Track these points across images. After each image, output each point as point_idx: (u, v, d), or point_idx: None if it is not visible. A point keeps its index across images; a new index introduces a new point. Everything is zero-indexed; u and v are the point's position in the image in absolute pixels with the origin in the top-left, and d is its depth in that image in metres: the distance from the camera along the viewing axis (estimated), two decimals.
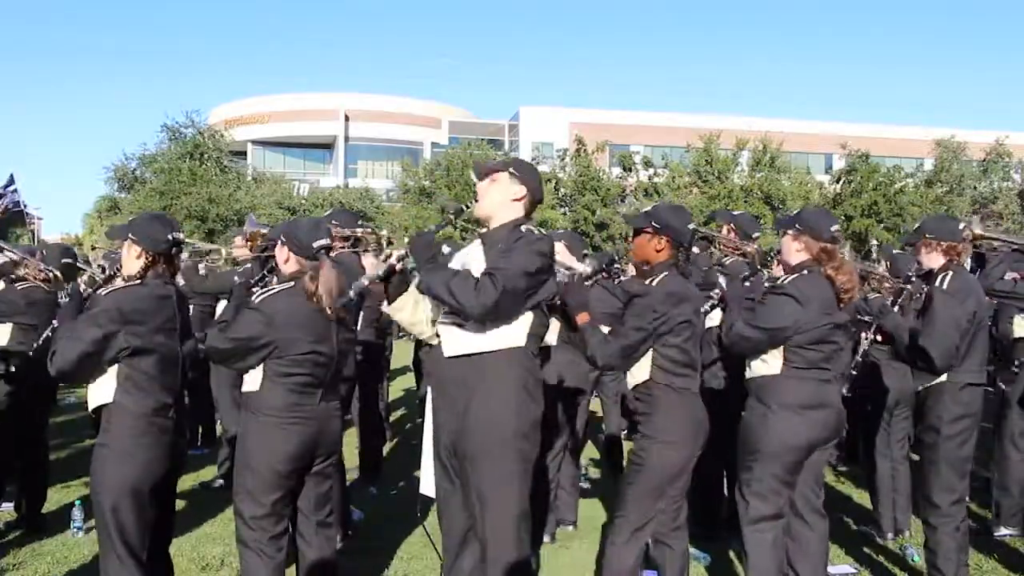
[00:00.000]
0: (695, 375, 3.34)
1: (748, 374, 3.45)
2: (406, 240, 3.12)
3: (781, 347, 3.28)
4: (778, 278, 3.47)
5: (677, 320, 3.23)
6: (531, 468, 2.96)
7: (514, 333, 2.88)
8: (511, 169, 3.09)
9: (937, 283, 3.69)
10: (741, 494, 3.40)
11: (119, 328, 3.08)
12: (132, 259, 3.22)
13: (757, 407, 3.36)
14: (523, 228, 2.98)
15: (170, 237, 3.23)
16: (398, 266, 3.01)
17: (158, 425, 3.19)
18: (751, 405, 3.41)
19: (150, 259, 3.21)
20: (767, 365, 3.34)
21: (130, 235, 3.23)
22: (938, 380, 3.71)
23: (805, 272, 3.35)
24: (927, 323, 3.64)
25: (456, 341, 2.91)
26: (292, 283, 3.22)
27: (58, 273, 4.95)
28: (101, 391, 3.18)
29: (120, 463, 3.11)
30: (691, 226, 3.40)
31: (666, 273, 3.31)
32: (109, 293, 3.15)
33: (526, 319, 2.91)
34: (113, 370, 3.15)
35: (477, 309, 2.75)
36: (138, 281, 3.20)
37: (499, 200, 3.06)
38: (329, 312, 3.19)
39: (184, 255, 6.69)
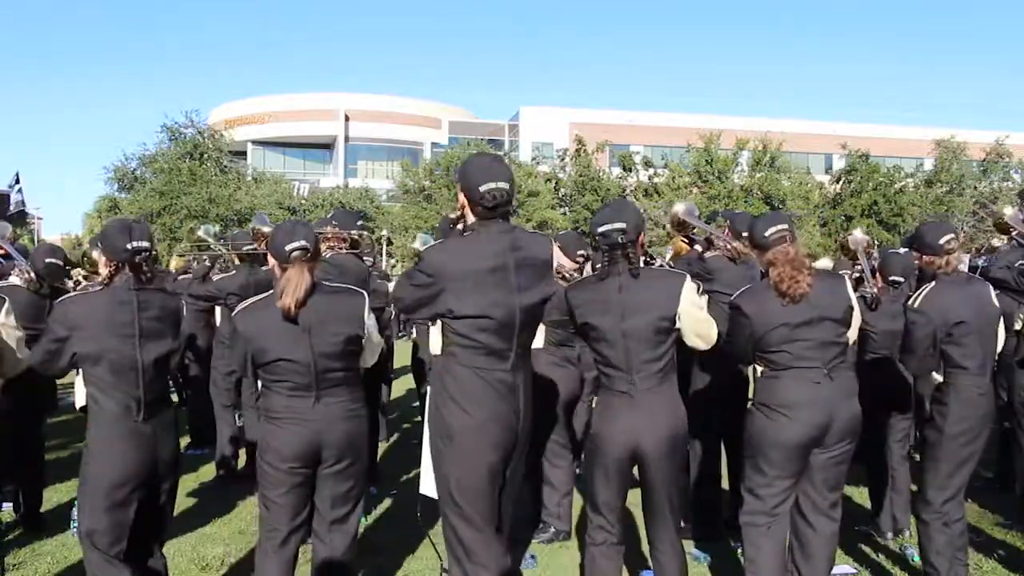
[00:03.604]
0: (619, 375, 3.22)
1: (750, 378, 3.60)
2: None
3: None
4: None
5: (580, 323, 3.30)
6: (456, 475, 3.07)
7: (433, 342, 3.17)
8: (456, 178, 3.23)
9: (910, 300, 3.76)
10: (739, 492, 3.54)
11: (68, 334, 3.22)
12: (102, 266, 3.34)
13: (749, 407, 3.51)
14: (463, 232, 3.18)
15: (129, 246, 3.25)
16: None
17: (128, 427, 3.25)
18: (749, 406, 3.54)
19: (113, 267, 3.28)
20: (754, 369, 3.48)
21: (99, 243, 3.38)
22: (949, 381, 3.72)
23: (752, 285, 3.52)
24: (904, 336, 3.77)
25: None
26: (268, 293, 3.27)
27: (33, 274, 4.93)
28: (79, 393, 3.35)
29: (95, 462, 3.25)
30: (611, 227, 3.24)
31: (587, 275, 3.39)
32: (60, 301, 3.32)
33: (435, 331, 3.14)
34: (81, 374, 3.30)
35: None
36: (99, 287, 3.31)
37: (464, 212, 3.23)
38: (291, 312, 3.13)
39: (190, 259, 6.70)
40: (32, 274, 4.93)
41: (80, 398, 3.32)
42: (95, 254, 3.47)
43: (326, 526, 3.33)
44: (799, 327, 3.30)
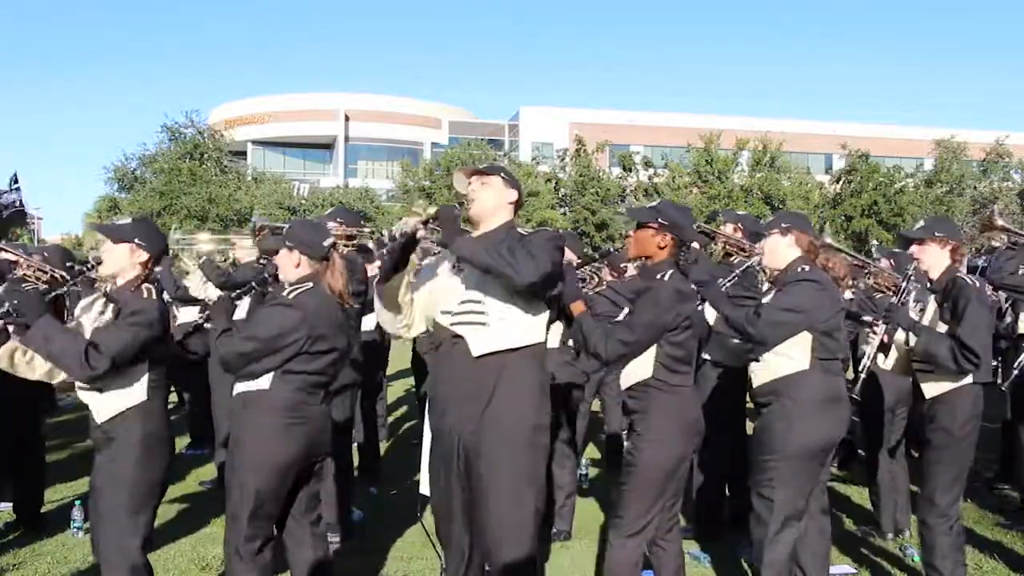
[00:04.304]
0: (691, 372, 3.33)
1: (766, 377, 3.41)
2: (431, 210, 2.92)
3: (808, 340, 3.32)
4: (794, 271, 3.49)
5: (683, 317, 3.20)
6: (544, 466, 3.04)
7: (537, 328, 2.93)
8: (502, 174, 3.09)
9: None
10: (762, 495, 3.36)
11: (159, 333, 3.17)
12: (135, 263, 3.21)
13: (781, 405, 3.35)
14: (519, 230, 3.03)
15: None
16: (420, 234, 2.93)
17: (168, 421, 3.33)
18: (772, 404, 3.40)
19: (152, 262, 3.26)
20: (793, 361, 3.34)
21: (136, 240, 3.20)
22: (959, 383, 3.65)
23: (806, 267, 3.45)
24: (968, 324, 3.56)
25: (483, 340, 2.89)
26: (311, 284, 3.23)
27: (65, 274, 4.93)
28: (133, 393, 3.17)
29: (149, 463, 3.16)
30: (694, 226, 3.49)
31: (672, 271, 3.27)
32: (143, 301, 3.16)
33: (545, 314, 2.97)
34: (145, 375, 3.18)
35: (530, 275, 2.73)
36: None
37: (494, 203, 3.05)
38: (347, 305, 3.31)
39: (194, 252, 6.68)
40: (61, 274, 4.92)
41: (136, 396, 3.18)
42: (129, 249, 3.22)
43: (303, 529, 3.30)
44: (841, 317, 3.46)
